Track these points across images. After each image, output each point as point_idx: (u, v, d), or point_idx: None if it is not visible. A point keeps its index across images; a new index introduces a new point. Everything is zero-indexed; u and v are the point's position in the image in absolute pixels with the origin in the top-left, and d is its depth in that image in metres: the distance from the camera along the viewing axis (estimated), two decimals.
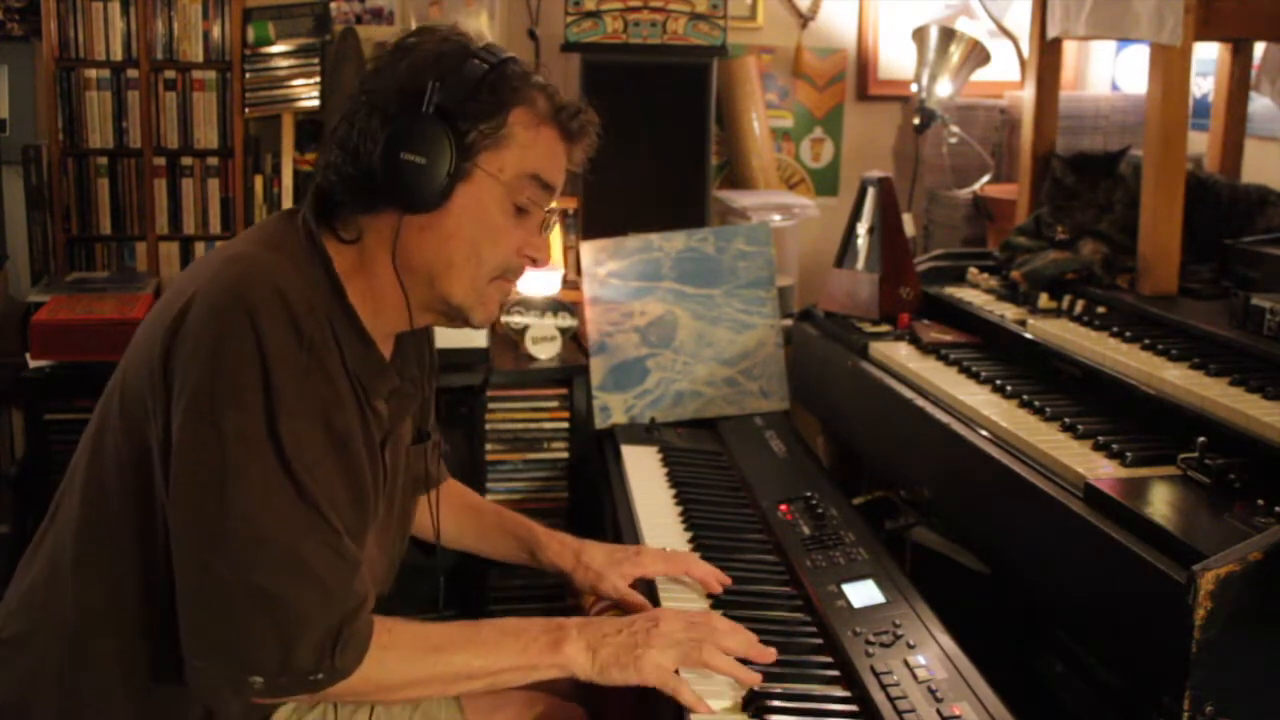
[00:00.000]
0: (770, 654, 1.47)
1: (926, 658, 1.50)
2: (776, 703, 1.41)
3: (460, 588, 2.88)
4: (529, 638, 1.41)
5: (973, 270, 2.54)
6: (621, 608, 1.69)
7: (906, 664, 1.48)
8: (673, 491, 2.13)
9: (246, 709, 1.37)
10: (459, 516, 1.79)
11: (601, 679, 1.41)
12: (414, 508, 1.65)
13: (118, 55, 3.16)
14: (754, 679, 1.44)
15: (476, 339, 2.73)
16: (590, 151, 1.48)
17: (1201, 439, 1.57)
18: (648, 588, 1.72)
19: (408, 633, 1.36)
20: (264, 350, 1.23)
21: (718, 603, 1.68)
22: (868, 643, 1.54)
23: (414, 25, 3.31)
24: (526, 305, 2.86)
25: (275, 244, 1.36)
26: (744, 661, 1.47)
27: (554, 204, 1.47)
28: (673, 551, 1.79)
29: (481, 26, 3.39)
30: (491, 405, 2.80)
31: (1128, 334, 1.98)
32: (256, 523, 1.23)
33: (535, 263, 1.46)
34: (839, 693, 1.46)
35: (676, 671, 1.42)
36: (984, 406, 1.92)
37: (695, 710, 1.39)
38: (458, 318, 1.44)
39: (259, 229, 1.44)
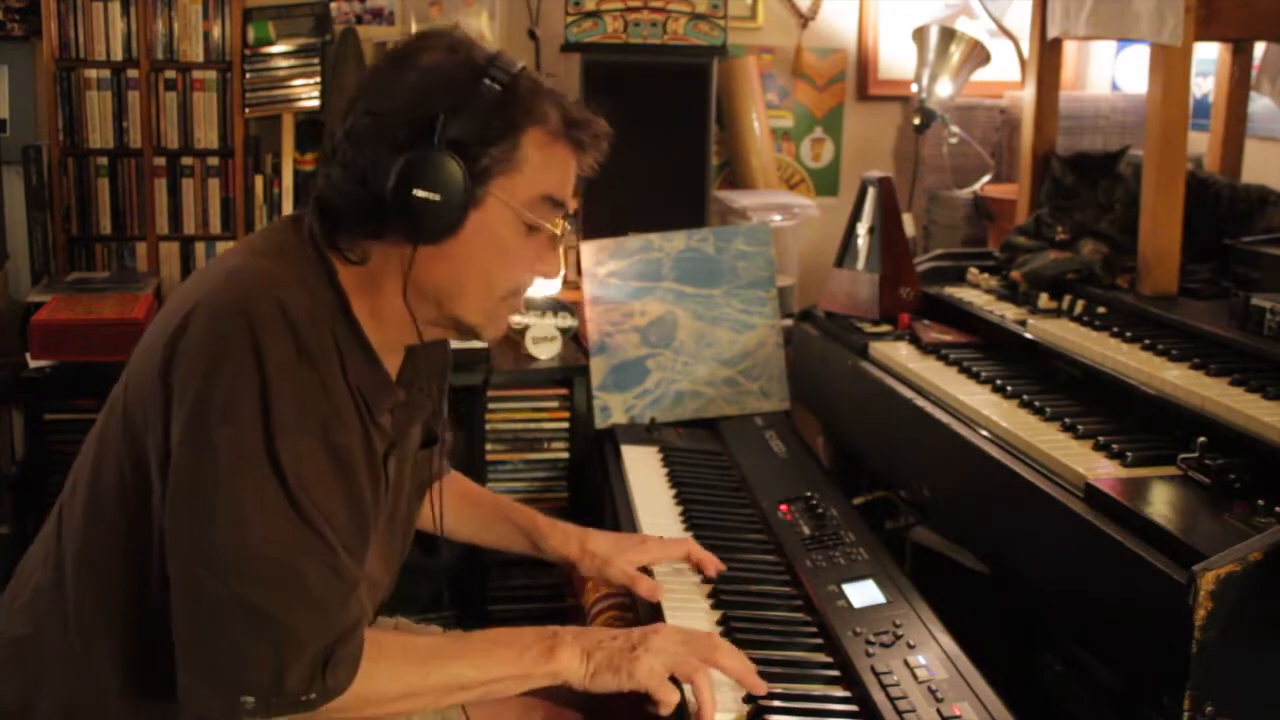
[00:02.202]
0: (764, 687, 1.43)
1: (926, 658, 1.50)
2: (777, 703, 1.42)
3: (460, 588, 2.89)
4: (521, 646, 1.39)
5: (973, 270, 2.54)
6: (626, 594, 1.68)
7: (906, 664, 1.48)
8: (673, 491, 2.13)
9: None
10: (458, 507, 1.76)
11: (593, 685, 1.39)
12: (418, 511, 1.63)
13: (118, 55, 3.16)
14: (709, 717, 1.38)
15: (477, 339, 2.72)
16: (601, 159, 1.44)
17: (1201, 439, 1.57)
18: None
19: (397, 645, 1.35)
20: (264, 365, 1.22)
21: (719, 602, 1.68)
22: (868, 643, 1.54)
23: (414, 26, 3.32)
24: (526, 305, 2.86)
25: (279, 254, 1.34)
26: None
27: (565, 221, 1.44)
28: (674, 538, 1.80)
29: (482, 26, 3.39)
30: (491, 405, 2.80)
31: (1128, 334, 1.98)
32: (251, 539, 1.21)
33: (545, 277, 1.45)
34: (839, 693, 1.46)
35: (674, 680, 1.40)
36: (984, 406, 1.92)
37: (665, 710, 1.37)
38: (468, 334, 1.44)
39: (263, 236, 1.42)
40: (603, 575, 1.70)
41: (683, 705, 1.40)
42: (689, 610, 1.66)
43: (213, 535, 1.21)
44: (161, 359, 1.26)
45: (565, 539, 1.73)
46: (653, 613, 1.67)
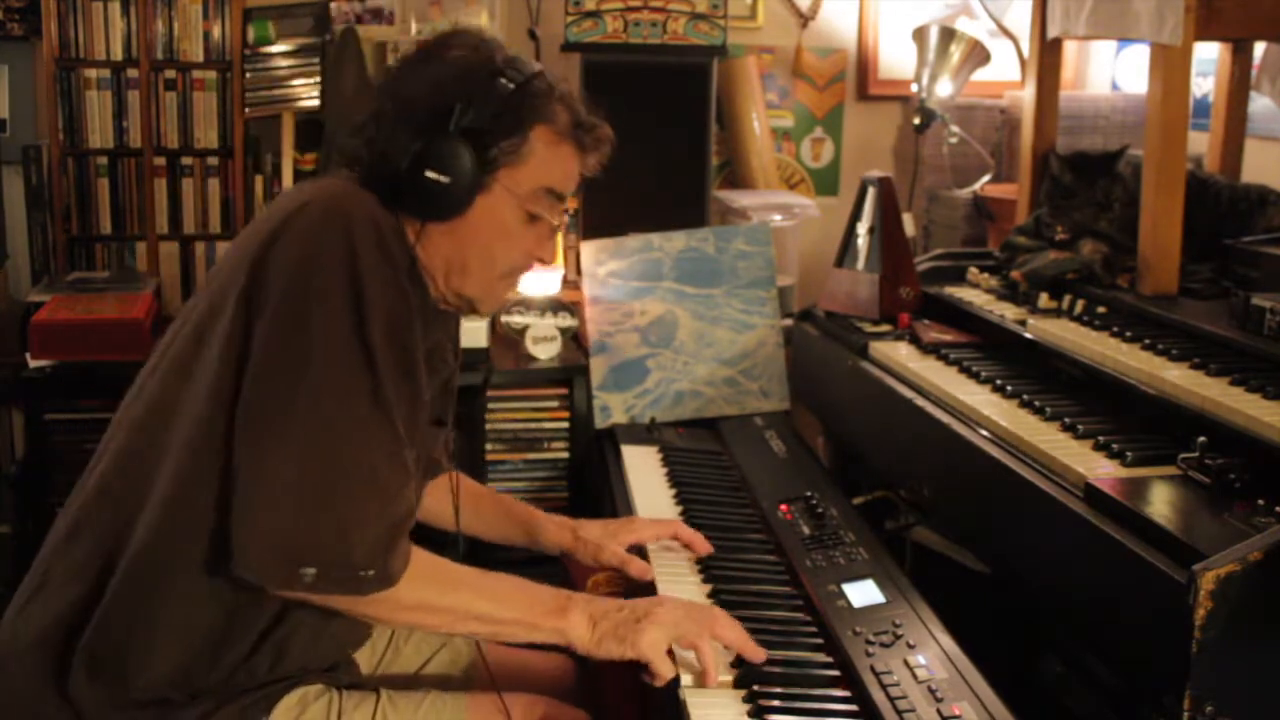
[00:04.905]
0: (762, 654, 1.49)
1: (926, 658, 1.50)
2: (776, 703, 1.42)
3: None
4: (536, 598, 1.48)
5: (973, 270, 2.54)
6: (621, 577, 1.77)
7: (906, 664, 1.48)
8: (673, 491, 2.13)
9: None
10: (463, 503, 1.80)
11: (597, 651, 1.46)
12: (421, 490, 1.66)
13: (118, 55, 3.16)
14: (712, 679, 1.45)
15: (477, 339, 2.73)
16: (604, 161, 1.56)
17: (1201, 439, 1.57)
18: (639, 556, 1.79)
19: (429, 561, 1.42)
20: (356, 259, 1.33)
21: (719, 601, 1.67)
22: (868, 643, 1.54)
23: (414, 26, 3.32)
24: (526, 305, 2.86)
25: (355, 188, 1.45)
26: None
27: (565, 211, 1.55)
28: (661, 519, 1.91)
29: (481, 27, 3.39)
30: (492, 405, 2.80)
31: (1128, 334, 1.98)
32: (330, 418, 1.29)
33: (542, 262, 1.58)
34: (839, 693, 1.46)
35: (670, 653, 1.46)
36: (984, 406, 1.92)
37: (660, 682, 1.43)
38: (466, 308, 1.55)
39: (330, 178, 1.51)
40: (596, 560, 1.79)
41: (677, 677, 1.44)
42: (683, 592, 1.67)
43: (291, 409, 1.28)
44: (256, 253, 1.34)
45: (559, 530, 1.82)
46: (647, 593, 1.68)
